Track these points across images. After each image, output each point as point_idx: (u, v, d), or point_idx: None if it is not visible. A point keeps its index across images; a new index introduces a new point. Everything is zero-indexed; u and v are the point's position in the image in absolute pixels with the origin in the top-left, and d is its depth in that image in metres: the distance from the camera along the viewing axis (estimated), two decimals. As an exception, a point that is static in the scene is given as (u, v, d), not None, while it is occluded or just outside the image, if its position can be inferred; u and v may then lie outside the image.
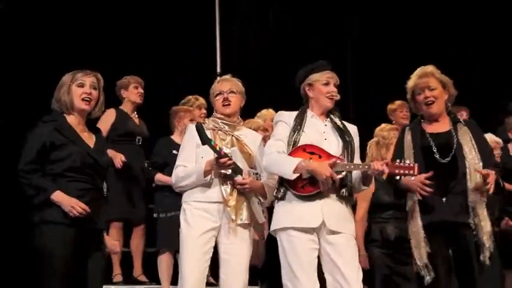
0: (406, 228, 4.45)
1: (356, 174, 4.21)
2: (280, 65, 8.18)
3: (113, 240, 4.48)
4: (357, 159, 4.29)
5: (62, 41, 7.07)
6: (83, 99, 4.15)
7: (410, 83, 4.53)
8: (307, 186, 4.09)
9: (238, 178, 4.31)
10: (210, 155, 4.30)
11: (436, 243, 4.32)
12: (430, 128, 4.49)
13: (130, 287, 6.10)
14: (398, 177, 4.16)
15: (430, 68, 4.52)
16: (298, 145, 4.18)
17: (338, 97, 4.31)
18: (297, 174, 4.06)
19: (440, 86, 4.47)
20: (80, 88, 4.15)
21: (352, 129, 4.36)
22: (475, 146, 4.36)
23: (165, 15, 8.01)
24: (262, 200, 4.46)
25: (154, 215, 5.94)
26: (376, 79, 8.46)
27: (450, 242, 4.34)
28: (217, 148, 4.23)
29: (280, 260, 4.17)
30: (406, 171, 4.07)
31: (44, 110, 4.26)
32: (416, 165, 4.10)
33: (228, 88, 4.53)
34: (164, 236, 5.81)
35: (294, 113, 4.32)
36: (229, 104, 4.50)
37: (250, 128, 5.95)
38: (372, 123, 6.05)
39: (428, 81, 4.46)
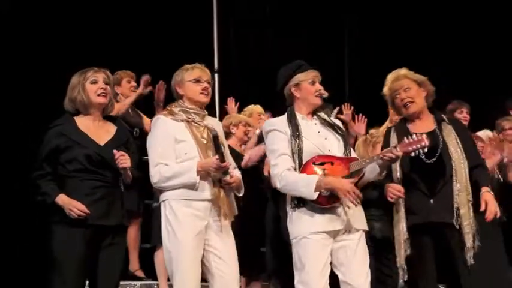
0: (392, 229, 4.47)
1: (369, 166, 4.19)
2: (278, 61, 8.17)
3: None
4: (352, 151, 4.31)
5: (61, 40, 7.06)
6: (99, 95, 4.22)
7: (386, 90, 4.53)
8: (331, 198, 4.04)
9: (227, 177, 4.24)
10: (194, 151, 4.22)
11: (421, 245, 4.32)
12: (415, 128, 4.47)
13: (127, 283, 6.06)
14: (413, 154, 4.13)
15: (402, 71, 4.53)
16: (307, 156, 4.12)
17: (326, 94, 4.29)
18: (318, 193, 4.02)
19: (415, 85, 4.46)
20: (93, 85, 4.23)
21: (339, 123, 4.38)
22: (460, 145, 4.36)
23: (163, 11, 8.01)
24: (238, 194, 4.39)
25: (153, 205, 5.92)
26: (374, 77, 8.46)
27: (437, 243, 4.34)
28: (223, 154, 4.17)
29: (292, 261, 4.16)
30: (419, 145, 4.06)
31: (37, 107, 4.29)
32: (424, 135, 4.10)
33: (208, 78, 4.41)
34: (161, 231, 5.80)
35: (284, 118, 4.27)
36: (208, 94, 4.39)
37: (232, 123, 5.99)
38: (369, 121, 6.09)
39: (401, 83, 4.45)
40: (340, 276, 4.13)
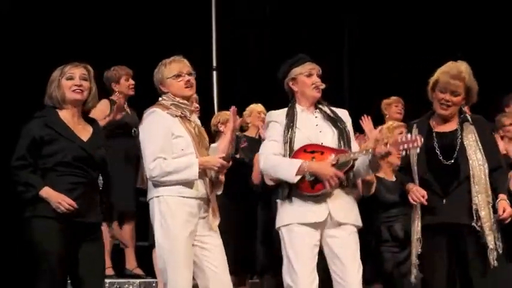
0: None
1: (359, 160, 4.21)
2: (276, 59, 8.16)
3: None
4: (353, 143, 4.31)
5: (58, 38, 7.07)
6: (73, 91, 4.14)
7: (439, 75, 4.37)
8: (316, 185, 4.09)
9: (221, 176, 4.26)
10: (191, 147, 4.17)
11: (434, 245, 4.30)
12: (438, 127, 4.43)
13: (126, 281, 6.06)
14: (405, 153, 4.14)
15: (463, 67, 4.38)
16: (298, 146, 4.17)
17: (323, 86, 4.31)
18: (299, 177, 4.07)
19: (464, 92, 4.35)
20: (69, 81, 4.15)
21: (343, 113, 4.37)
22: (480, 146, 4.30)
23: (162, 10, 8.01)
24: (218, 193, 4.34)
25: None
26: (373, 76, 8.48)
27: (452, 244, 4.31)
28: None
29: (278, 255, 4.22)
30: (411, 145, 4.07)
31: (37, 105, 4.27)
32: (419, 136, 4.08)
33: (188, 70, 4.29)
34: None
35: (284, 110, 4.32)
36: (192, 86, 4.29)
37: (219, 122, 6.00)
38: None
39: (457, 85, 4.31)
40: (332, 274, 4.16)
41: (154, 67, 4.40)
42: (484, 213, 4.22)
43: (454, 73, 4.34)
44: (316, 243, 4.14)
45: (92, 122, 4.30)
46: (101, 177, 4.25)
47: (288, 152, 4.18)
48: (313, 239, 4.13)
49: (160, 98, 4.34)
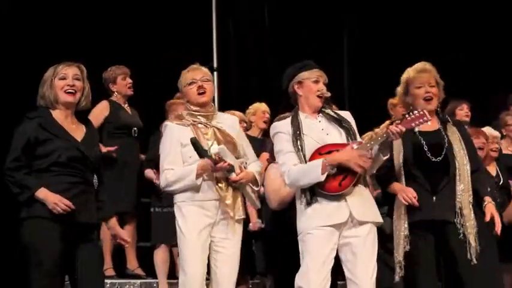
0: (391, 224, 4.49)
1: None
2: (277, 61, 8.19)
3: (123, 230, 4.45)
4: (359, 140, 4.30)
5: (59, 38, 7.07)
6: (66, 92, 4.10)
7: (407, 76, 4.51)
8: (343, 181, 4.08)
9: (232, 176, 4.30)
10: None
11: (421, 242, 4.34)
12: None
13: (127, 281, 6.09)
14: (416, 130, 4.21)
15: (429, 65, 4.52)
16: (309, 152, 4.16)
17: (328, 94, 4.31)
18: (325, 175, 4.04)
19: (436, 85, 4.48)
20: (62, 81, 4.10)
21: (346, 115, 4.37)
22: (464, 147, 4.39)
23: (162, 10, 8.01)
24: (254, 188, 4.46)
25: (151, 209, 5.95)
26: (372, 77, 8.49)
27: (438, 240, 4.36)
28: (214, 157, 4.21)
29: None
30: (421, 120, 4.09)
31: (31, 106, 4.24)
32: (425, 110, 4.13)
33: (202, 76, 4.43)
34: (160, 230, 5.82)
35: (288, 120, 4.30)
36: (204, 92, 4.41)
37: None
38: (368, 121, 6.07)
39: (429, 77, 4.46)
40: (346, 273, 4.15)
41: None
42: (466, 211, 4.30)
43: (421, 68, 4.51)
44: (334, 246, 4.12)
45: (85, 121, 4.27)
46: (95, 177, 4.23)
47: (302, 159, 4.17)
48: (331, 243, 4.10)
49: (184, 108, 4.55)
